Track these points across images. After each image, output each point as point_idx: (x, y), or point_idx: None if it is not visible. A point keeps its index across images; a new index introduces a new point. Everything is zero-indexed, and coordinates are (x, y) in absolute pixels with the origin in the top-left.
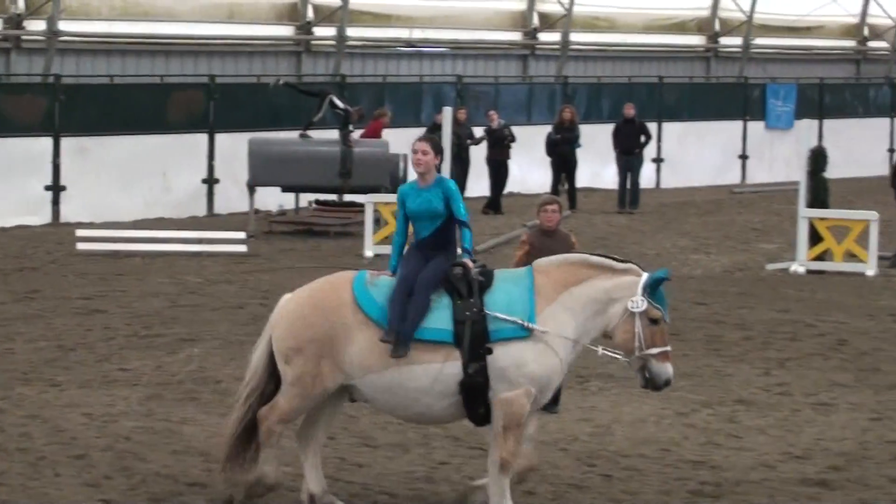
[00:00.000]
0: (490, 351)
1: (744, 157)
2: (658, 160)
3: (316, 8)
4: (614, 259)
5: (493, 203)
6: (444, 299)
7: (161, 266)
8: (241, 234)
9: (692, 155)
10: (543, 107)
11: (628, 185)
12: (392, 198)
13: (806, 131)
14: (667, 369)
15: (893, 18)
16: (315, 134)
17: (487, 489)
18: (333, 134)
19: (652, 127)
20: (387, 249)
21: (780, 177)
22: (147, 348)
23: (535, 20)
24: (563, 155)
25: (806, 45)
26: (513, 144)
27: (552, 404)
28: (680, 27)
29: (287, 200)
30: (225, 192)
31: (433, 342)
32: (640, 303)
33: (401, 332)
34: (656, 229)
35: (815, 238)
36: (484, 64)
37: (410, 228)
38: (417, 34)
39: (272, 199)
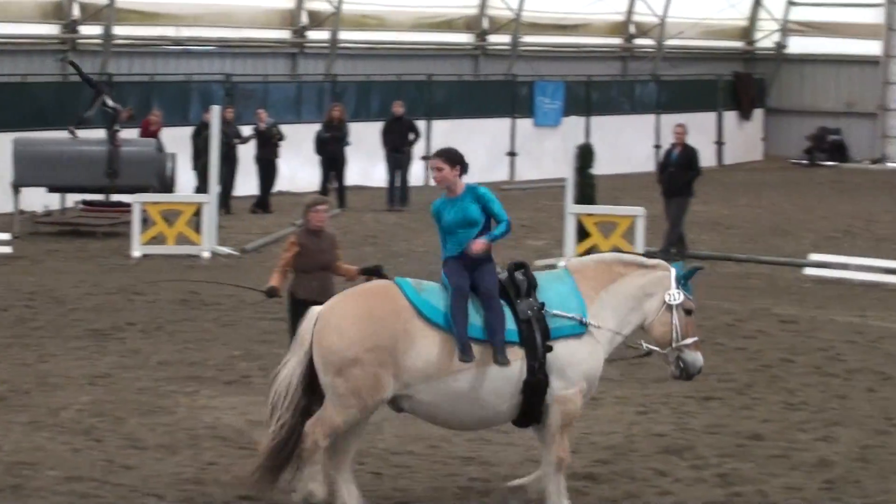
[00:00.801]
0: (551, 348)
1: (512, 154)
2: (427, 157)
3: (82, 6)
4: (643, 256)
5: (262, 202)
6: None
7: None
8: (6, 236)
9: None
10: (312, 105)
11: (397, 183)
12: (160, 197)
13: (573, 128)
14: (700, 358)
15: (659, 16)
16: (83, 133)
17: (529, 488)
18: (101, 133)
19: (421, 125)
20: (154, 250)
21: (547, 174)
22: None
23: (304, 18)
24: (332, 153)
25: (573, 42)
26: (281, 143)
27: None
28: (448, 25)
29: (53, 201)
30: None
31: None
32: (677, 295)
33: (464, 341)
34: (426, 227)
35: (582, 234)
36: (252, 62)
37: None
38: (185, 33)
39: (38, 199)
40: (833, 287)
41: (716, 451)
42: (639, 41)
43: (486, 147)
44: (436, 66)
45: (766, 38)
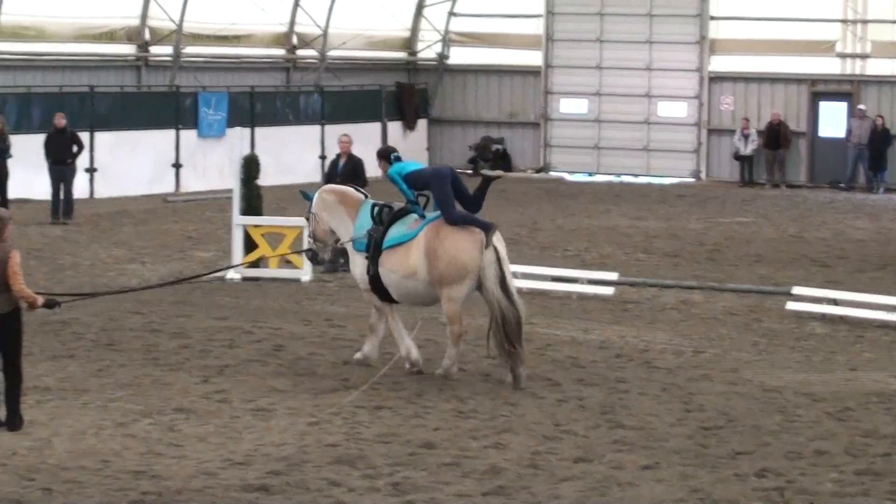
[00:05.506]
0: None
1: (177, 165)
2: (91, 170)
3: None
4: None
5: None
6: None
7: None
8: None
9: (125, 164)
10: None
11: (62, 196)
12: None
13: (238, 139)
14: None
15: (321, 27)
16: None
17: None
18: None
19: (84, 136)
20: None
21: (213, 185)
22: None
23: None
24: None
25: (236, 53)
26: None
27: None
28: (110, 36)
29: None
30: None
31: None
32: None
33: None
34: (91, 239)
35: (250, 245)
36: None
37: None
38: None
39: None
40: None
41: (388, 459)
42: (302, 52)
43: (151, 159)
44: (98, 77)
45: (428, 49)
